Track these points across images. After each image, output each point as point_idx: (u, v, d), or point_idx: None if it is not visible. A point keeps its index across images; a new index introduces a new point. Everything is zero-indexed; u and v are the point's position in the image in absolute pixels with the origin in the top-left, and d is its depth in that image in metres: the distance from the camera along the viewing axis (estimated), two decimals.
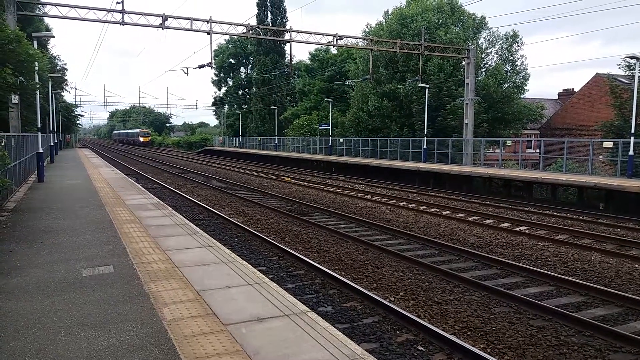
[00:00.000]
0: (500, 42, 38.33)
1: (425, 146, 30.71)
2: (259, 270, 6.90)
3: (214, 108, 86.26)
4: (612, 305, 7.58)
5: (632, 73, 23.61)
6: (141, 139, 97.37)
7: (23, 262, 6.97)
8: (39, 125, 19.98)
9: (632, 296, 7.76)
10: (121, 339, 4.41)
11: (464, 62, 32.19)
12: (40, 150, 19.58)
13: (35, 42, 16.50)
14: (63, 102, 54.01)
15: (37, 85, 16.99)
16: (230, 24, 25.16)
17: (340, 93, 50.81)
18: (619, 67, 27.13)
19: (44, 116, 31.28)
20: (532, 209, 17.32)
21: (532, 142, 42.38)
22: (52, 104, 35.28)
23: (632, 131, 20.58)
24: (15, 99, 18.63)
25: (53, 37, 20.79)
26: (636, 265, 9.93)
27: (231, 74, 78.20)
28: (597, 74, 39.20)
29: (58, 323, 4.77)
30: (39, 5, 22.34)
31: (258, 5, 62.03)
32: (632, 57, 22.17)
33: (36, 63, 14.56)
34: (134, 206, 12.47)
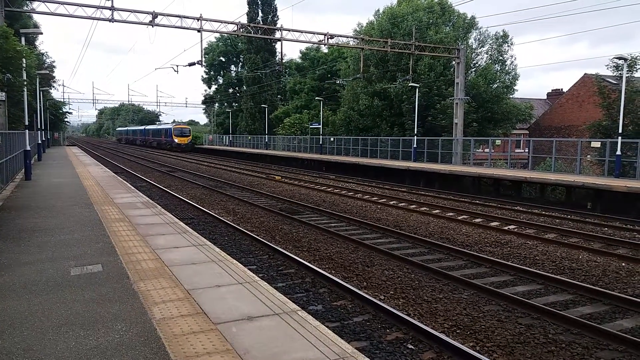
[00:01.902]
0: (490, 42, 38.61)
1: (415, 145, 30.84)
2: (249, 269, 6.89)
3: (204, 106, 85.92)
4: (600, 304, 7.67)
5: (620, 74, 23.89)
6: (176, 140, 62.38)
7: (10, 261, 6.89)
8: (27, 123, 19.79)
9: (618, 294, 7.85)
10: (110, 338, 4.39)
11: (454, 62, 32.35)
12: (28, 148, 19.37)
13: (23, 39, 16.34)
14: (51, 99, 53.50)
15: (25, 82, 16.84)
16: (221, 21, 25.06)
17: (331, 92, 50.84)
18: (607, 68, 27.45)
19: (32, 113, 30.95)
20: (521, 208, 17.46)
21: (521, 141, 42.68)
22: (40, 101, 34.92)
23: (620, 131, 20.82)
24: (2, 96, 18.42)
25: (41, 33, 20.59)
26: (623, 264, 10.05)
27: (221, 72, 77.84)
28: (585, 74, 39.61)
29: (46, 322, 4.73)
30: (27, 2, 22.09)
31: (249, 3, 61.82)
32: (619, 58, 22.44)
33: (24, 60, 14.43)
34: (123, 205, 12.39)
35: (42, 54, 42.91)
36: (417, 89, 31.34)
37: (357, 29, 42.91)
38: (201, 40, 25.71)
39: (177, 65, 32.77)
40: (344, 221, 14.38)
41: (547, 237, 12.35)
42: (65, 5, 21.38)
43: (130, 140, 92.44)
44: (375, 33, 38.05)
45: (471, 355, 5.47)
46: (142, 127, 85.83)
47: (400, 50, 31.68)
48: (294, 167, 37.97)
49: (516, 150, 39.99)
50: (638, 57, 26.35)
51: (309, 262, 9.56)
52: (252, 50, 62.19)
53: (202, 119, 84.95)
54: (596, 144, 23.55)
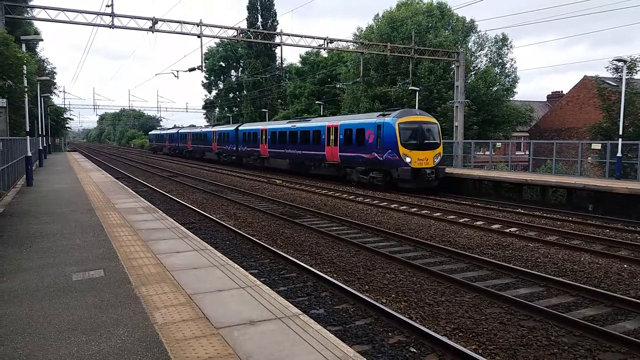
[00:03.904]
0: (490, 45, 38.72)
1: None
2: (250, 274, 6.89)
3: (204, 111, 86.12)
4: (602, 306, 7.65)
5: (620, 75, 23.91)
6: (408, 160, 21.64)
7: (12, 267, 6.90)
8: (28, 129, 19.84)
9: (620, 296, 7.83)
10: (112, 343, 4.39)
11: (453, 65, 32.38)
12: (29, 154, 19.42)
13: (23, 45, 16.40)
14: (52, 105, 53.62)
15: (26, 89, 16.89)
16: (221, 27, 25.14)
17: (331, 96, 50.92)
18: (607, 70, 27.53)
19: (33, 120, 31.03)
20: (522, 211, 17.43)
21: (522, 144, 42.72)
22: (41, 108, 35.02)
23: (620, 133, 20.83)
24: (3, 102, 18.49)
25: (42, 40, 20.69)
26: (625, 266, 10.03)
27: (222, 77, 78.10)
28: (585, 76, 39.64)
29: (48, 328, 4.73)
30: (28, 9, 22.19)
31: (248, 8, 62.08)
32: (619, 60, 22.49)
33: (24, 66, 14.48)
34: (125, 210, 12.40)
35: (43, 61, 43.02)
36: (417, 93, 31.36)
37: (357, 33, 43.02)
38: (201, 46, 25.81)
39: (178, 71, 33.06)
40: (345, 225, 14.37)
41: (548, 240, 12.33)
42: (65, 12, 21.46)
43: (188, 150, 54.54)
44: (375, 37, 38.14)
45: (474, 358, 5.46)
46: (244, 127, 40.14)
47: (399, 54, 31.73)
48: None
49: (517, 153, 40.02)
50: (637, 59, 26.42)
51: (310, 265, 9.55)
52: (252, 55, 62.38)
53: (203, 124, 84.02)
54: (597, 146, 23.56)
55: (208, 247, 8.28)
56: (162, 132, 71.33)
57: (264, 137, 35.80)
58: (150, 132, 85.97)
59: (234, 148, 41.49)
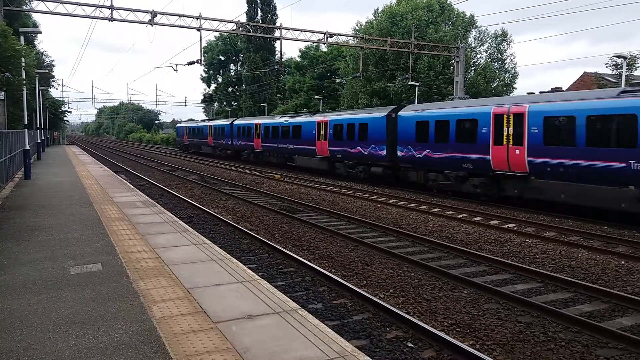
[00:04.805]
0: (490, 40, 38.67)
1: None
2: (249, 268, 6.90)
3: (203, 105, 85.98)
4: (599, 302, 7.67)
5: (619, 72, 23.89)
6: None
7: (10, 260, 6.89)
8: (26, 122, 19.80)
9: (618, 292, 7.85)
10: (110, 337, 4.39)
11: (453, 61, 32.33)
12: (27, 147, 19.38)
13: (22, 38, 16.33)
14: (50, 98, 53.48)
15: (24, 81, 16.84)
16: (220, 20, 25.06)
17: (330, 91, 50.85)
18: (607, 66, 27.55)
19: (31, 113, 30.94)
20: (520, 207, 17.42)
21: None
22: (39, 101, 34.92)
23: None
24: (1, 95, 18.43)
25: (40, 32, 20.63)
26: (622, 262, 10.05)
27: (221, 71, 77.87)
28: (584, 72, 39.58)
29: (46, 321, 4.74)
30: (26, 1, 22.08)
31: (248, 2, 61.79)
32: (619, 57, 22.49)
33: (23, 59, 14.43)
34: (123, 204, 12.39)
35: (41, 53, 42.91)
36: (416, 88, 31.34)
37: (357, 28, 42.93)
38: (200, 39, 25.74)
39: (177, 64, 32.86)
40: (344, 220, 14.37)
41: (546, 236, 12.35)
42: (64, 4, 21.36)
43: (255, 152, 37.18)
44: (375, 32, 38.06)
45: (471, 354, 5.47)
46: (421, 113, 20.60)
47: (399, 49, 31.66)
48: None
49: None
50: (637, 56, 26.41)
51: (308, 260, 9.55)
52: (251, 49, 62.20)
53: (202, 118, 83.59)
54: None
55: (206, 242, 8.29)
56: (201, 124, 51.56)
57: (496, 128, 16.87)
58: (178, 125, 65.84)
59: (383, 152, 22.93)
